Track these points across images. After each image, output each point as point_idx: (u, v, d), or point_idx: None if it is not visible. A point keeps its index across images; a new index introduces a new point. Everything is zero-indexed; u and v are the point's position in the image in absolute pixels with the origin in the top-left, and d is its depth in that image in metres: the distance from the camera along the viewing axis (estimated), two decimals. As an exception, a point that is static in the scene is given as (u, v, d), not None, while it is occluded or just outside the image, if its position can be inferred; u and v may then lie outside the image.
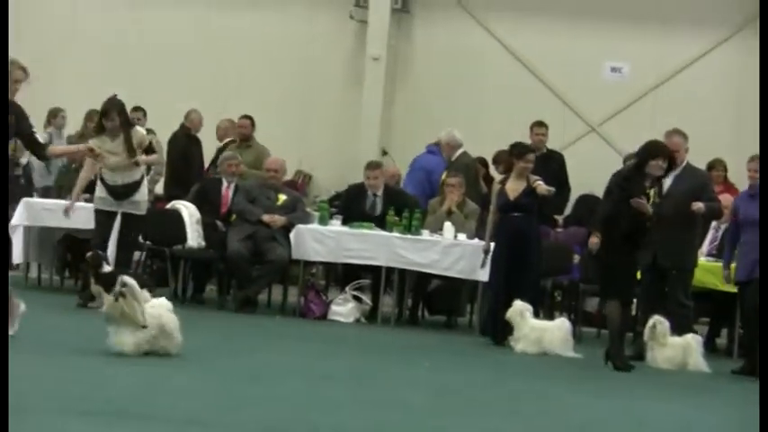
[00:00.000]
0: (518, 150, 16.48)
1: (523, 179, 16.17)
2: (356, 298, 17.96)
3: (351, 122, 23.46)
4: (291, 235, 18.11)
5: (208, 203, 18.65)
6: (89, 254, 16.32)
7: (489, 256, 16.47)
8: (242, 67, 23.95)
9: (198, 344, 14.37)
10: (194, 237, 18.13)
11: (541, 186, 16.00)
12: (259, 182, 19.04)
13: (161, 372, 12.27)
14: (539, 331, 15.37)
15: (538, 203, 16.21)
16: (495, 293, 16.30)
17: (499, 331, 15.96)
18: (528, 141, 18.42)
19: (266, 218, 18.12)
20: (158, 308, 12.68)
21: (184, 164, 21.04)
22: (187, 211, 18.27)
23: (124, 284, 12.10)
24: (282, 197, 18.56)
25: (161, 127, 20.88)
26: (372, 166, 19.27)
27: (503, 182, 16.43)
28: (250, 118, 20.97)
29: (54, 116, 22.14)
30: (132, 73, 23.36)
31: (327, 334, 16.61)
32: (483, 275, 16.77)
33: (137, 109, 20.86)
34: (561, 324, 15.67)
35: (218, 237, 18.35)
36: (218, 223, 18.50)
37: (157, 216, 18.34)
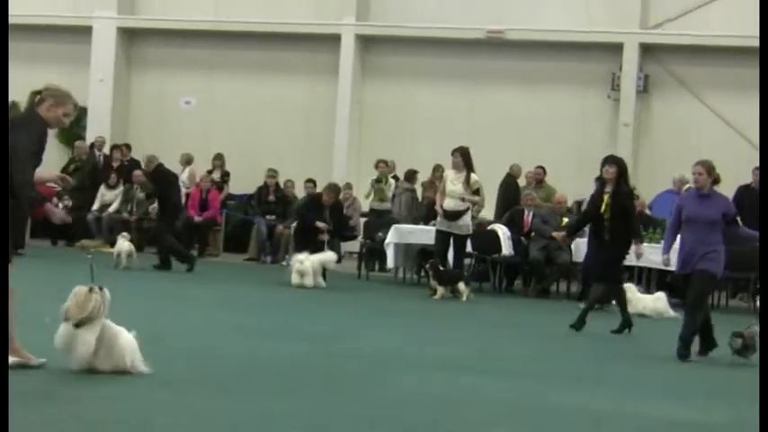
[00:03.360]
0: None
1: None
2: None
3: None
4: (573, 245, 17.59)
5: (515, 225, 18.87)
6: (430, 262, 16.85)
7: None
8: (536, 133, 24.01)
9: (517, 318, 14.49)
10: (507, 248, 18.31)
11: None
12: (549, 210, 19.16)
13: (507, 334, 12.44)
14: None
15: None
16: None
17: None
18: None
19: (555, 234, 18.10)
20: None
21: (506, 200, 21.33)
22: (501, 230, 18.48)
23: (101, 288, 8.24)
24: (566, 220, 18.55)
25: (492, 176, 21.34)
26: None
27: None
28: (543, 168, 21.26)
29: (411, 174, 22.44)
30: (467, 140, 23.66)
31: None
32: None
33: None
34: None
35: (522, 248, 18.51)
36: (522, 238, 18.66)
37: (482, 234, 18.55)
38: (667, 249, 12.04)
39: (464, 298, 16.41)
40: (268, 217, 22.36)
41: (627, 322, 13.28)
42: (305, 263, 17.05)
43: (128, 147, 24.57)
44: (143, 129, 25.93)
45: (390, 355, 10.34)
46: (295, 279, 16.98)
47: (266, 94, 25.42)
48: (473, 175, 17.08)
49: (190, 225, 22.36)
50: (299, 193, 22.96)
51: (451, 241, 17.25)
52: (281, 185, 23.07)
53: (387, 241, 18.90)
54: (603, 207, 13.16)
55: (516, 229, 18.71)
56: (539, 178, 21.39)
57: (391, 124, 24.89)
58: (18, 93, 25.78)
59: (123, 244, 18.35)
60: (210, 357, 9.49)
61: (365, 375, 9.11)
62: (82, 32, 25.61)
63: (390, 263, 19.15)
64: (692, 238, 11.32)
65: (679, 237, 11.63)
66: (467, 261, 18.47)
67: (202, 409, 7.32)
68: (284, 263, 21.55)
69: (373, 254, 20.54)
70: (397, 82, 24.93)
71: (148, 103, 26.18)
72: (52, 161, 24.57)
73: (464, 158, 17.09)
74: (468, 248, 17.98)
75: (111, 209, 22.67)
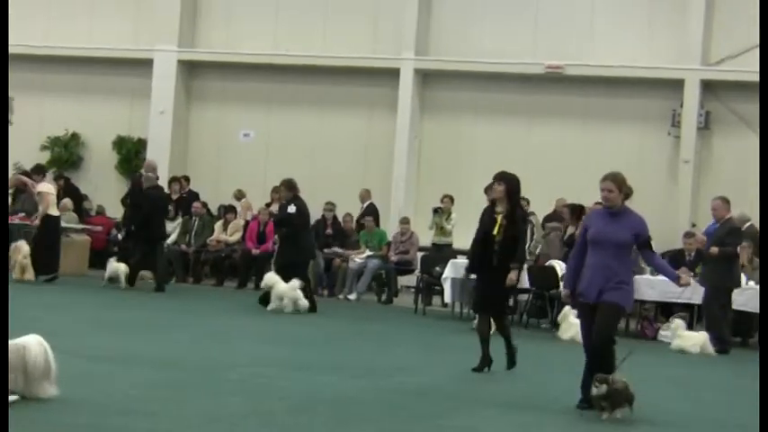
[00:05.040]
0: None
1: None
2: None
3: (669, 206, 23.05)
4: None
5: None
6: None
7: None
8: (594, 169, 23.53)
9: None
10: (565, 283, 18.19)
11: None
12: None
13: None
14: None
15: None
16: None
17: None
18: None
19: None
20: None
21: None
22: (559, 266, 18.30)
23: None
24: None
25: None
26: (689, 234, 19.31)
27: None
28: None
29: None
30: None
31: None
32: None
33: (522, 198, 21.29)
34: None
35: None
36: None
37: (540, 270, 18.47)
38: (569, 282, 9.93)
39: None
40: (326, 250, 22.36)
41: (512, 360, 12.09)
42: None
43: (186, 179, 24.73)
44: (202, 161, 26.10)
45: (447, 391, 10.25)
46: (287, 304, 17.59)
47: (325, 127, 25.51)
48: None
49: (247, 257, 22.41)
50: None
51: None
52: (339, 219, 23.07)
53: (444, 276, 18.82)
54: (496, 228, 11.72)
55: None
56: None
57: (449, 159, 24.85)
58: (81, 124, 26.46)
59: (120, 266, 19.59)
60: (264, 392, 9.45)
61: (422, 411, 9.03)
62: (143, 65, 25.87)
63: (448, 297, 19.05)
64: (597, 262, 9.55)
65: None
66: (524, 297, 18.37)
67: (257, 444, 7.26)
68: (341, 296, 21.62)
69: (430, 288, 20.44)
70: (455, 117, 24.93)
71: (208, 135, 26.35)
72: (112, 192, 24.91)
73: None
74: (526, 284, 17.85)
75: (170, 240, 22.76)
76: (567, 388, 11.22)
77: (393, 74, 24.74)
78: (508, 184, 11.88)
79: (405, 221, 22.31)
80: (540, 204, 21.65)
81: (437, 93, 25.15)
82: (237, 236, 23.07)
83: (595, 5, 24.37)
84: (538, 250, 20.31)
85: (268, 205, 23.69)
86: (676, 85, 23.43)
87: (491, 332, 12.03)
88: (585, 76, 23.98)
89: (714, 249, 16.51)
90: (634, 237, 9.62)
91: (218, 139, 26.20)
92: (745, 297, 17.03)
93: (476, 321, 16.12)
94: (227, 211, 23.64)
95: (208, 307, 18.00)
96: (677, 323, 16.48)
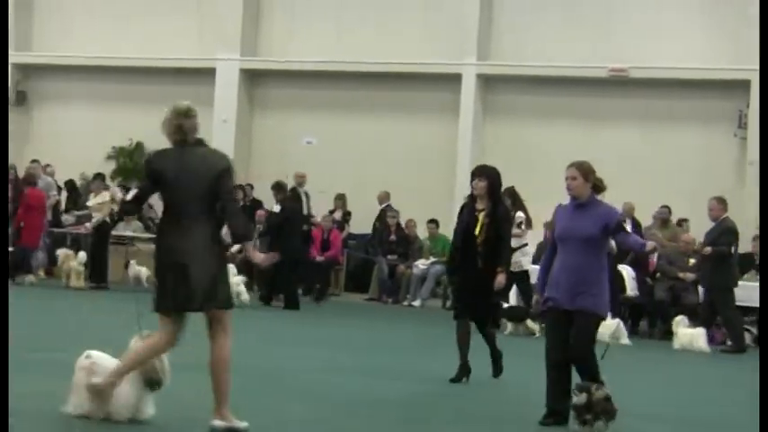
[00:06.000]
0: None
1: None
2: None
3: (736, 208, 22.38)
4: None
5: (639, 265, 18.44)
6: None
7: None
8: (658, 172, 23.48)
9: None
10: (632, 288, 18.05)
11: None
12: (676, 249, 18.73)
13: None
14: None
15: None
16: None
17: None
18: None
19: (681, 275, 17.85)
20: None
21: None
22: (626, 271, 18.14)
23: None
24: (692, 261, 18.18)
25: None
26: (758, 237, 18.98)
27: None
28: (668, 207, 20.71)
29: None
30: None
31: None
32: None
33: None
34: None
35: (647, 288, 18.12)
36: (647, 279, 18.31)
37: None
38: (542, 286, 8.95)
39: (536, 334, 16.13)
40: (389, 257, 22.29)
41: (498, 366, 11.38)
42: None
43: (250, 187, 24.77)
44: (265, 168, 26.10)
45: (508, 396, 10.14)
46: None
47: (387, 133, 25.46)
48: (519, 213, 16.82)
49: (312, 265, 22.36)
50: (421, 233, 22.86)
51: None
52: (402, 225, 22.98)
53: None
54: (478, 228, 10.86)
55: (641, 270, 18.33)
56: (664, 218, 20.82)
57: (513, 163, 24.43)
58: (145, 134, 26.63)
59: (141, 269, 19.79)
60: (325, 397, 9.38)
61: (482, 415, 8.91)
62: (206, 74, 25.99)
63: (513, 303, 18.85)
64: (566, 262, 8.67)
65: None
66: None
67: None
68: (405, 302, 21.54)
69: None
70: (517, 121, 24.76)
71: (270, 143, 26.41)
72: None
73: (510, 197, 16.94)
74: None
75: (234, 249, 22.73)
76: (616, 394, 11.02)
77: (455, 79, 24.63)
78: (490, 180, 11.10)
79: (469, 227, 22.13)
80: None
81: (499, 97, 25.00)
82: (301, 243, 23.05)
83: (658, 7, 24.08)
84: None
85: (332, 212, 23.69)
86: (742, 86, 23.08)
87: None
88: (650, 79, 23.72)
89: (707, 249, 16.72)
90: (602, 229, 8.71)
91: (281, 147, 26.22)
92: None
93: (510, 326, 16.16)
94: (291, 218, 23.64)
95: (270, 313, 17.99)
96: (677, 320, 16.41)
